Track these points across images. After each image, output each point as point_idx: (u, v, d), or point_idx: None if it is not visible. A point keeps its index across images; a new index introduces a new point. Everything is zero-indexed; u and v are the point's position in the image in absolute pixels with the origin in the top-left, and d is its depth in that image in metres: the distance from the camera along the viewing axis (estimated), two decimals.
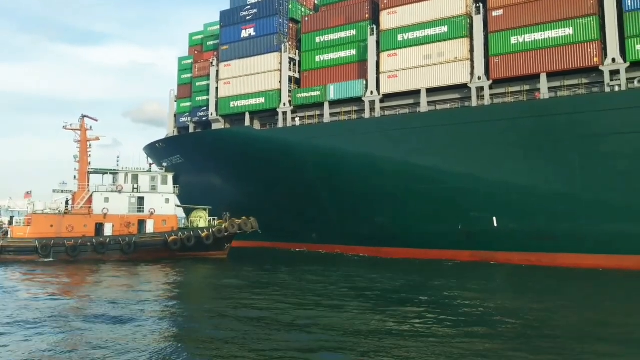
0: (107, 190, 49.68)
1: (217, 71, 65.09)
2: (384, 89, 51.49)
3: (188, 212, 53.76)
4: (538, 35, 44.06)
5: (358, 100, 53.43)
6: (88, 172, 50.43)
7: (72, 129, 50.76)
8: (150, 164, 59.98)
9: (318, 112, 56.40)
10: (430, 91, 48.93)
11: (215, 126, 64.99)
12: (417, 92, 49.50)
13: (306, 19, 59.71)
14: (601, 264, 39.75)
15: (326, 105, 55.20)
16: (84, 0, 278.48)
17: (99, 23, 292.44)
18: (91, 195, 48.97)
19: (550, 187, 41.80)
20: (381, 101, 51.96)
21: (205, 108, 66.52)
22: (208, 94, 66.05)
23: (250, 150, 57.19)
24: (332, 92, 54.85)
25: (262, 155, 56.43)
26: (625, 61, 40.55)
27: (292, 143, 54.96)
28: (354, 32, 54.81)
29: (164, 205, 50.58)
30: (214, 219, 51.89)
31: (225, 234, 49.31)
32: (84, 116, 51.20)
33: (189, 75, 70.19)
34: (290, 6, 61.92)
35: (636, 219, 38.82)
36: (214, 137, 62.89)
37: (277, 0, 60.09)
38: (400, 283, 34.30)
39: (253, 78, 61.11)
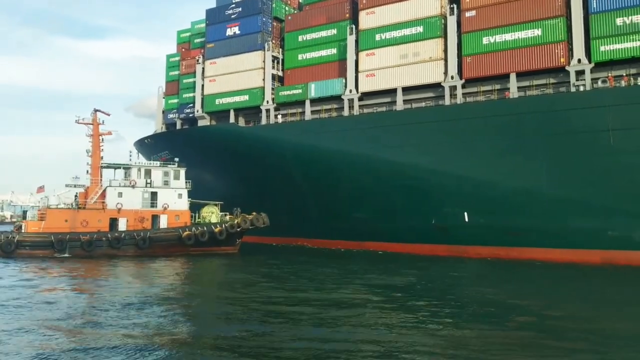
0: (121, 185, 49.31)
1: (203, 69, 66.33)
2: (362, 88, 52.88)
3: (198, 207, 52.82)
4: (508, 36, 45.37)
5: (338, 98, 54.81)
6: (101, 166, 49.90)
7: (84, 123, 50.28)
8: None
9: (300, 110, 57.77)
10: (406, 90, 50.33)
11: (201, 123, 66.36)
12: (393, 91, 50.91)
13: (289, 17, 60.91)
14: (567, 258, 41.22)
15: (307, 103, 56.54)
16: None
17: (101, 17, 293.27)
18: (104, 190, 48.45)
19: (518, 184, 43.23)
20: (360, 99, 53.34)
21: (191, 105, 67.84)
22: (194, 91, 67.34)
23: (236, 147, 58.56)
24: (313, 90, 56.21)
25: (247, 151, 57.83)
26: (590, 62, 41.89)
27: (276, 139, 56.32)
28: (334, 31, 56.05)
29: (177, 201, 50.26)
30: (224, 214, 51.97)
31: (238, 229, 49.69)
32: (96, 110, 50.74)
33: (176, 73, 71.44)
34: (274, 5, 63.11)
35: (600, 215, 40.30)
36: (200, 134, 64.25)
37: None
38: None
39: (237, 76, 62.42)
